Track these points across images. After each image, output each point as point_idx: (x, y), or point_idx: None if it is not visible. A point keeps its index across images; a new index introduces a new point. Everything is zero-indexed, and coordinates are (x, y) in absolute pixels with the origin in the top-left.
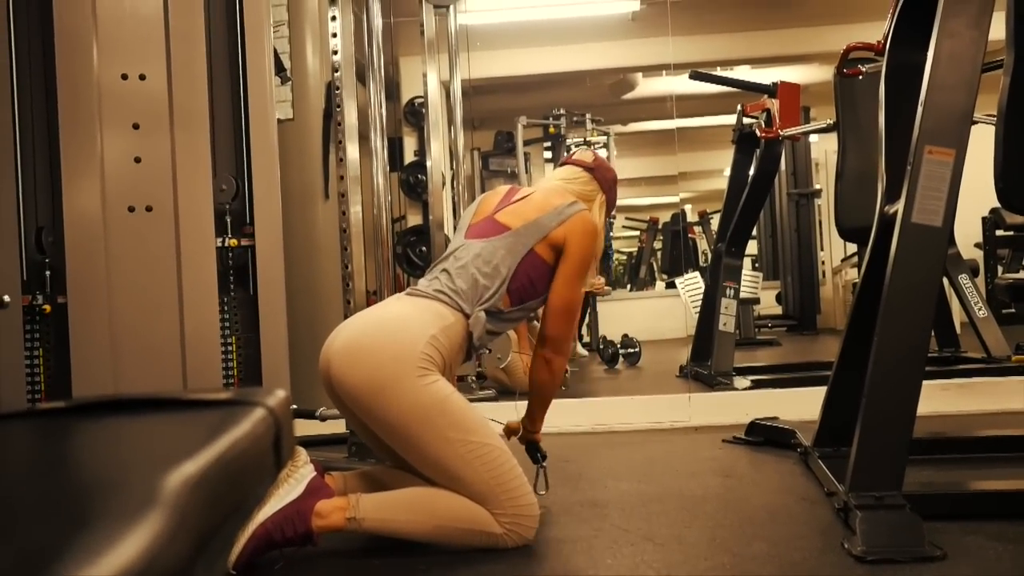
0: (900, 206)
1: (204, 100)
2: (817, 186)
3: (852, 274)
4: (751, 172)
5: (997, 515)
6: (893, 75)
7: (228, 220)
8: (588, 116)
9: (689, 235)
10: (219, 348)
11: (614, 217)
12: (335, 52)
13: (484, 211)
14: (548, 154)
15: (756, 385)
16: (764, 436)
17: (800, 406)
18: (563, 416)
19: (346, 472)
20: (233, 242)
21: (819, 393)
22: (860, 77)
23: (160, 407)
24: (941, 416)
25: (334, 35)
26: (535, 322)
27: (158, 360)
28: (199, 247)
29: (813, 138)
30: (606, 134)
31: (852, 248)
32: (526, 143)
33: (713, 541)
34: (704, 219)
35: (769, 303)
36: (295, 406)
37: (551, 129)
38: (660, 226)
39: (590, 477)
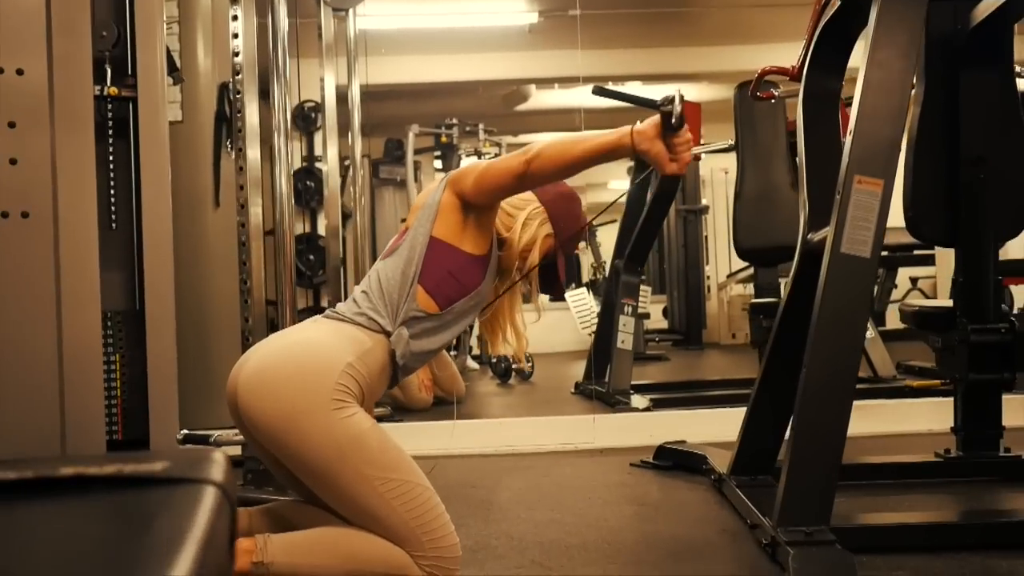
0: (828, 236)
1: (89, 98)
2: (704, 202)
3: (737, 289)
4: (651, 190)
5: (918, 548)
6: (810, 100)
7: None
8: (481, 127)
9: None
10: (101, 367)
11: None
12: (236, 53)
13: (400, 230)
14: (439, 163)
15: (656, 404)
16: (673, 460)
17: (704, 427)
18: (464, 438)
19: (251, 509)
20: (113, 90)
21: (722, 415)
22: (773, 101)
23: (83, 488)
24: None
25: (235, 35)
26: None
27: (31, 380)
28: (80, 258)
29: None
30: (498, 145)
31: (737, 264)
32: (417, 152)
33: None
34: (590, 232)
35: (656, 317)
36: (185, 431)
37: (443, 138)
38: None
39: (501, 505)
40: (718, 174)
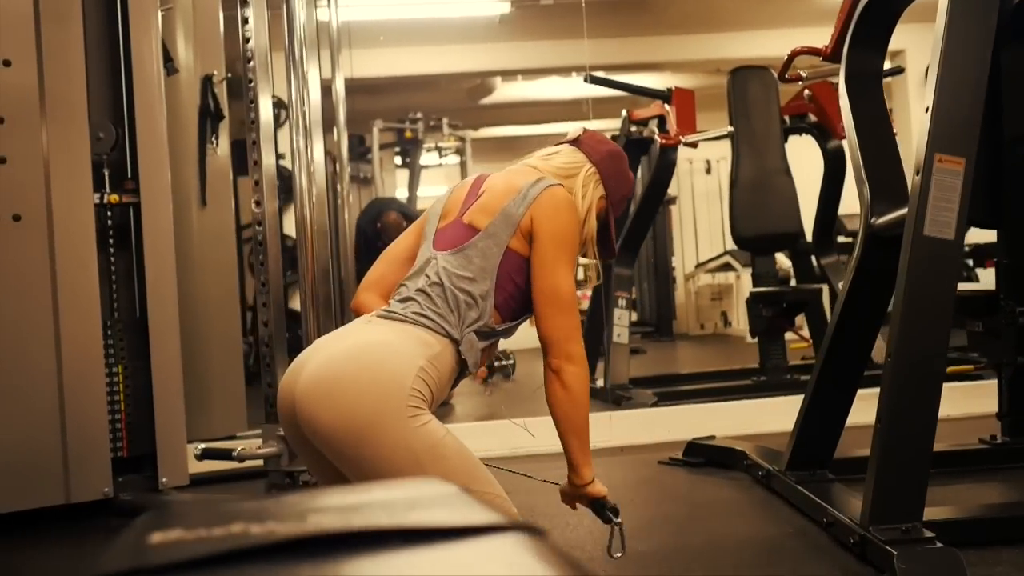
0: (908, 219)
1: (82, 92)
2: (673, 193)
3: (705, 279)
4: (645, 179)
5: (1007, 541)
6: (853, 80)
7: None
8: (445, 120)
9: None
10: (103, 379)
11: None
12: (247, 40)
13: (450, 212)
14: (399, 159)
15: (660, 399)
16: (705, 457)
17: (720, 421)
18: (474, 441)
19: None
20: (114, 198)
21: (735, 407)
22: (800, 83)
23: (398, 541)
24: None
25: (246, 21)
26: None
27: (29, 395)
28: (77, 262)
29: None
30: (462, 139)
31: (705, 255)
32: (381, 147)
33: None
34: None
35: None
36: (202, 445)
37: (407, 133)
38: None
39: (546, 512)
40: (683, 164)
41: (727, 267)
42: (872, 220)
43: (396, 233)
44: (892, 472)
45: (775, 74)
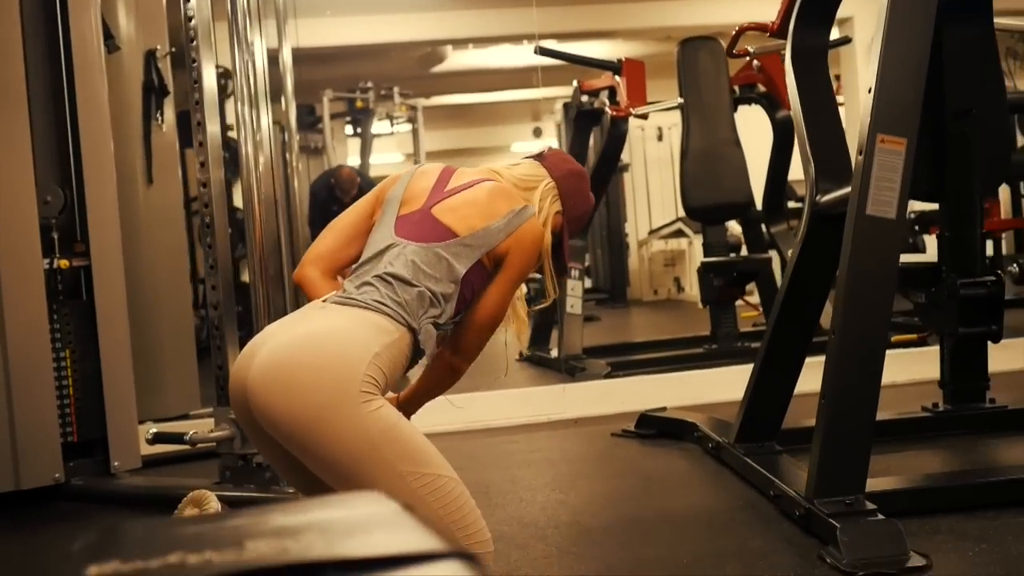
0: (852, 198)
1: (20, 73)
2: (625, 160)
3: (658, 246)
4: (597, 150)
5: (946, 509)
6: (800, 56)
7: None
8: (396, 89)
9: None
10: (51, 363)
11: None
12: (190, 17)
13: (413, 199)
14: (350, 129)
15: (614, 369)
16: (657, 428)
17: (672, 392)
18: (435, 415)
19: None
20: (64, 263)
21: (688, 377)
22: (748, 58)
23: (333, 573)
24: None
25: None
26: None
27: None
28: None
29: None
30: (414, 108)
31: (658, 222)
32: (332, 117)
33: (682, 564)
34: None
35: None
36: (153, 429)
37: (358, 103)
38: None
39: (499, 488)
40: (635, 131)
41: (679, 233)
42: (817, 198)
43: (350, 187)
44: (835, 446)
45: (724, 45)
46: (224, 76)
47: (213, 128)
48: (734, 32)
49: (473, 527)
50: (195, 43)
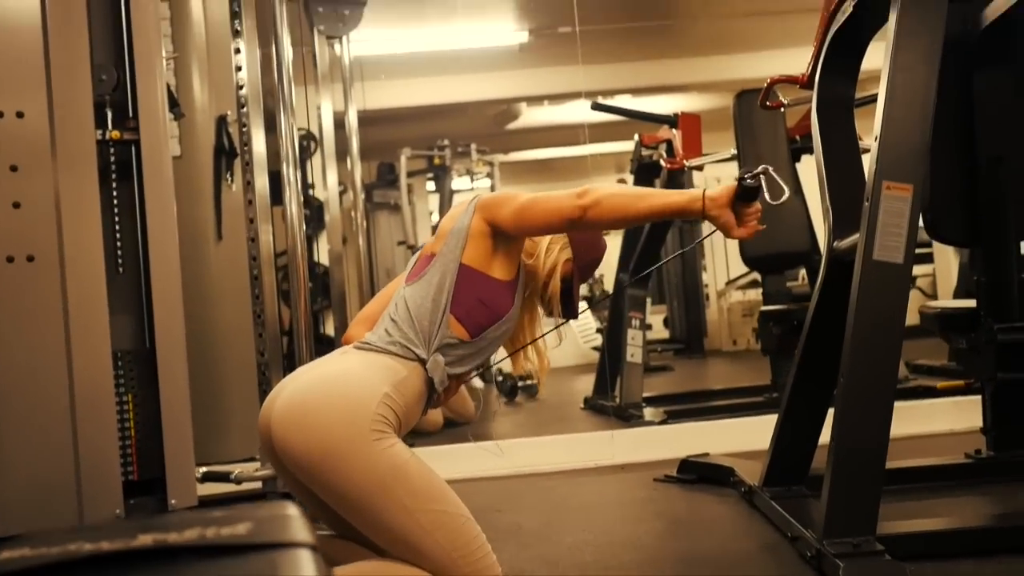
0: (859, 243)
1: (91, 139)
2: None
3: (736, 296)
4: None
5: (965, 554)
6: (824, 107)
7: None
8: (473, 146)
9: None
10: (114, 407)
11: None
12: (241, 86)
13: (423, 254)
14: (431, 185)
15: (670, 416)
16: (697, 474)
17: (723, 439)
18: (482, 461)
19: None
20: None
21: (740, 424)
22: (783, 109)
23: (169, 558)
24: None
25: (239, 68)
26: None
27: (43, 423)
28: (88, 299)
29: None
30: (491, 164)
31: (735, 272)
32: (410, 174)
33: None
34: None
35: (657, 327)
36: (203, 468)
37: (436, 160)
38: None
39: (531, 529)
40: (711, 183)
41: (756, 283)
42: (835, 243)
43: None
44: (845, 488)
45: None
46: (307, 138)
47: (261, 183)
48: (766, 84)
49: (482, 561)
50: (245, 109)
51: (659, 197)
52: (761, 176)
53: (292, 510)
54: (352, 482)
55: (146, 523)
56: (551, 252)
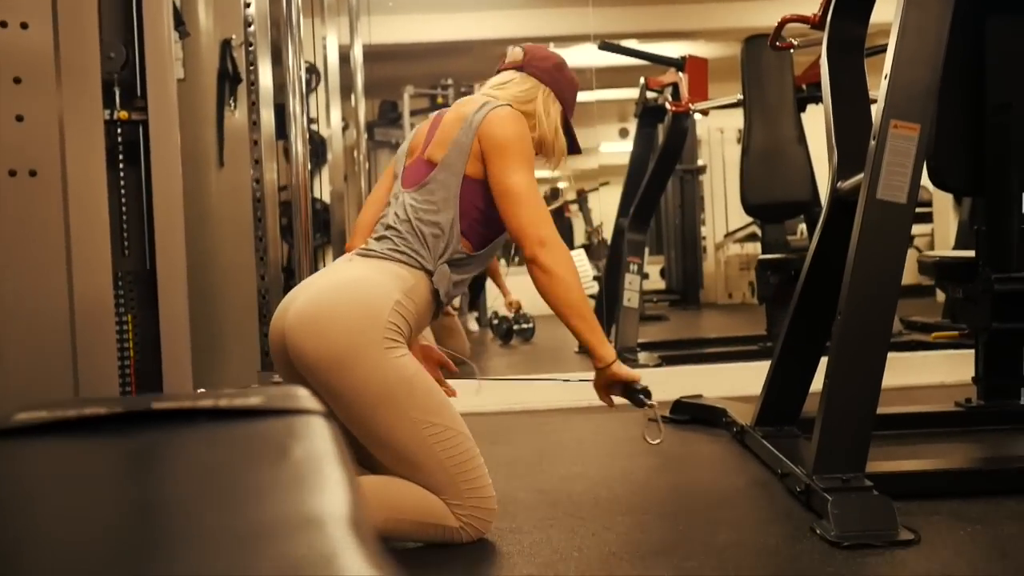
0: (863, 182)
1: (96, 56)
2: (701, 162)
3: (734, 249)
4: (659, 146)
5: (952, 494)
6: (835, 48)
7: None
8: (477, 86)
9: (565, 214)
10: (113, 327)
11: None
12: (248, 5)
13: (415, 149)
14: None
15: (665, 361)
16: (690, 415)
17: (715, 383)
18: (480, 397)
19: None
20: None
21: (732, 370)
22: (791, 51)
23: (187, 419)
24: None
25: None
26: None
27: (43, 341)
28: (88, 215)
29: (697, 116)
30: None
31: (734, 224)
32: (412, 113)
33: (676, 529)
34: (582, 197)
35: (654, 278)
36: (201, 391)
37: (439, 99)
38: None
39: (525, 460)
40: (715, 134)
41: (754, 237)
42: (838, 184)
43: None
44: (837, 426)
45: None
46: (310, 71)
47: (267, 118)
48: (776, 23)
49: (479, 481)
50: (252, 28)
51: (591, 325)
52: (649, 407)
53: (303, 391)
54: (361, 388)
55: (159, 396)
56: (548, 111)
